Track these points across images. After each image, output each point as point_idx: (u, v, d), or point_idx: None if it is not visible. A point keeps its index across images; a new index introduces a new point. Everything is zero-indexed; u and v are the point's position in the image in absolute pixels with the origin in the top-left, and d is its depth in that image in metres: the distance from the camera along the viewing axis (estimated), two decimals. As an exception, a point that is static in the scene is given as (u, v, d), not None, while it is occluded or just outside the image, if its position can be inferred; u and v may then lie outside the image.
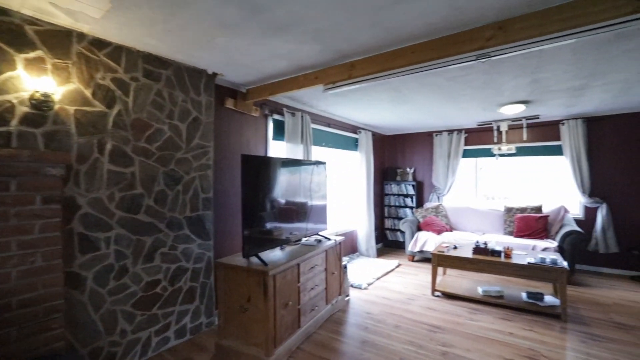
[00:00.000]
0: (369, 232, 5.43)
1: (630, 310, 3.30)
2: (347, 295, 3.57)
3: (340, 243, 3.40)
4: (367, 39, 2.25)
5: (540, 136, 5.10)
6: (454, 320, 3.07)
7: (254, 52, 2.47)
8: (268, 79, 3.11)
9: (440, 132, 5.88)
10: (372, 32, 2.15)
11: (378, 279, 4.29)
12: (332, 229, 4.84)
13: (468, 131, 5.67)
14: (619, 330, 2.90)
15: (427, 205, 5.71)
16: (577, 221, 4.75)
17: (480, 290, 3.58)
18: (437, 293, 3.74)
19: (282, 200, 2.87)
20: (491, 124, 5.28)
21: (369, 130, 5.66)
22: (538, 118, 4.91)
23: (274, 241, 2.70)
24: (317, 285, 2.94)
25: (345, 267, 3.56)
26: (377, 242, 6.00)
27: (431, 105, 4.20)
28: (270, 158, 2.75)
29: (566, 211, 4.66)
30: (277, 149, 3.88)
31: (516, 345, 2.63)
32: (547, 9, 1.80)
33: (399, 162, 6.48)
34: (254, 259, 2.49)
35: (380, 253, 5.77)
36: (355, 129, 5.45)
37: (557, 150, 4.98)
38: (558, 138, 4.93)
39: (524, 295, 3.45)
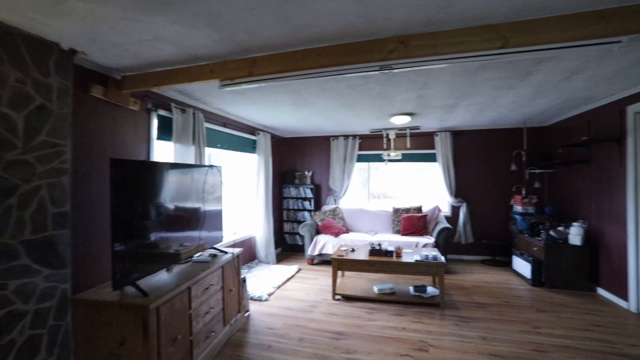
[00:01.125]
0: (268, 238, 5.23)
1: (484, 291, 4.01)
2: (247, 311, 3.29)
3: (238, 255, 3.10)
4: (272, 35, 2.04)
5: (420, 144, 5.82)
6: (355, 323, 3.15)
7: (129, 30, 1.97)
8: (151, 67, 2.58)
9: (337, 136, 6.11)
10: (278, 28, 1.95)
11: (279, 287, 4.13)
12: (230, 237, 4.45)
13: (362, 137, 6.05)
14: (479, 309, 3.46)
15: (325, 208, 5.85)
16: (447, 218, 5.60)
17: (375, 289, 3.80)
18: (337, 297, 3.80)
19: (171, 206, 2.41)
20: (381, 131, 5.75)
21: (268, 132, 5.46)
22: (419, 129, 5.59)
23: (158, 260, 2.23)
24: (213, 307, 2.58)
25: (244, 280, 3.27)
26: (277, 246, 5.84)
27: (331, 111, 4.27)
28: (150, 163, 2.26)
29: (440, 210, 5.43)
30: (164, 151, 3.30)
31: (409, 339, 2.83)
32: (440, 32, 1.94)
33: (297, 165, 6.48)
34: (129, 289, 1.98)
35: (280, 258, 5.63)
36: (253, 130, 5.16)
37: (433, 158, 5.76)
38: (433, 147, 5.70)
39: (411, 289, 3.81)
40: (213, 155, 4.37)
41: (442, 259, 3.61)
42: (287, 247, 6.25)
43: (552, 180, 5.03)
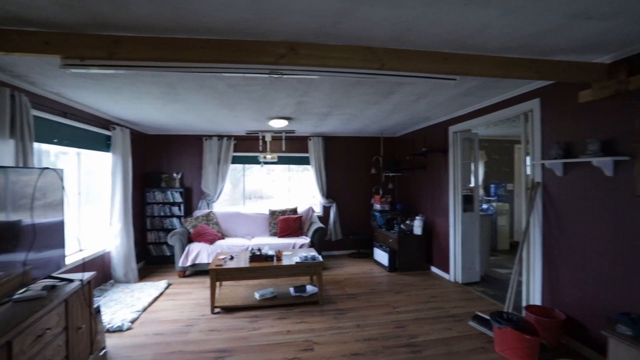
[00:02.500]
0: (128, 252, 4.39)
1: (354, 282, 4.50)
2: (103, 349, 2.65)
3: (90, 282, 2.46)
4: (147, 13, 1.70)
5: (295, 148, 6.04)
6: (239, 335, 2.98)
7: None
8: None
9: (210, 136, 5.68)
10: (156, 6, 1.64)
11: (145, 310, 3.51)
12: (76, 255, 3.49)
13: (237, 138, 5.83)
14: (351, 300, 3.85)
15: (198, 213, 5.35)
16: (320, 218, 6.01)
17: (257, 295, 3.71)
18: (217, 309, 3.52)
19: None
20: (258, 133, 5.69)
21: (128, 127, 4.58)
22: (294, 132, 5.79)
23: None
24: (51, 359, 1.95)
25: (98, 310, 2.63)
26: (138, 261, 4.96)
27: (207, 109, 3.92)
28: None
29: (313, 211, 5.77)
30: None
31: (294, 341, 2.88)
32: (330, 45, 2.03)
33: (164, 166, 5.69)
34: None
35: (143, 274, 4.81)
36: (107, 123, 4.24)
37: (307, 161, 6.08)
38: (307, 150, 6.02)
39: (291, 290, 3.90)
40: (58, 153, 3.34)
41: (320, 258, 3.84)
42: (152, 260, 5.40)
43: (401, 182, 6.10)
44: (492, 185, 6.49)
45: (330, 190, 6.11)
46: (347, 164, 6.21)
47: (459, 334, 3.00)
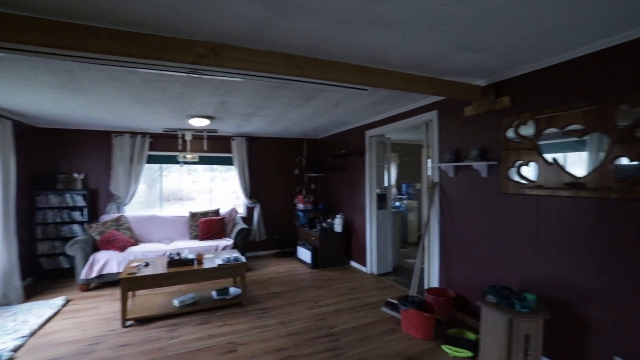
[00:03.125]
0: (9, 268, 3.72)
1: (278, 281, 4.59)
2: (-23, 383, 2.23)
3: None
4: (41, -4, 1.52)
5: (218, 148, 5.85)
6: (155, 347, 2.81)
7: None
8: None
9: (121, 133, 5.15)
10: (53, -9, 1.49)
11: (33, 334, 3.04)
12: None
13: (153, 136, 5.40)
14: (275, 298, 3.93)
15: (105, 218, 4.80)
16: (243, 219, 5.94)
17: (176, 302, 3.52)
18: (129, 322, 3.24)
19: None
20: (177, 131, 5.36)
21: (9, 119, 3.87)
22: (217, 132, 5.61)
23: None
24: None
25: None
26: (25, 277, 4.22)
27: (117, 104, 3.58)
28: None
29: (236, 212, 5.68)
30: None
31: (217, 345, 2.84)
32: (252, 50, 2.09)
33: (62, 165, 4.95)
34: None
35: (32, 293, 4.11)
36: (-22, 113, 3.53)
37: (230, 161, 5.95)
38: (230, 150, 5.89)
39: (214, 294, 3.80)
40: None
41: (243, 259, 3.82)
42: (45, 275, 4.64)
43: (323, 182, 6.40)
44: (403, 185, 7.26)
45: (254, 191, 6.08)
46: (271, 165, 6.26)
47: (373, 319, 3.33)
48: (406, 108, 3.93)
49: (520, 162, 2.57)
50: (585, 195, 2.17)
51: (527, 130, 2.52)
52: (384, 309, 3.52)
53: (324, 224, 5.29)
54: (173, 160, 5.56)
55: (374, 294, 4.07)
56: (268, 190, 6.21)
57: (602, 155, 2.09)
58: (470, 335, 2.84)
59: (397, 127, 4.17)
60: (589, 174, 2.15)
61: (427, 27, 1.88)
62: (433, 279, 3.57)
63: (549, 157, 2.39)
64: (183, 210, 5.67)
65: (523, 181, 2.56)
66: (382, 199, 4.89)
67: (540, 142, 2.44)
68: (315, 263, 5.18)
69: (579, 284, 2.25)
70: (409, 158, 7.54)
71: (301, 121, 4.85)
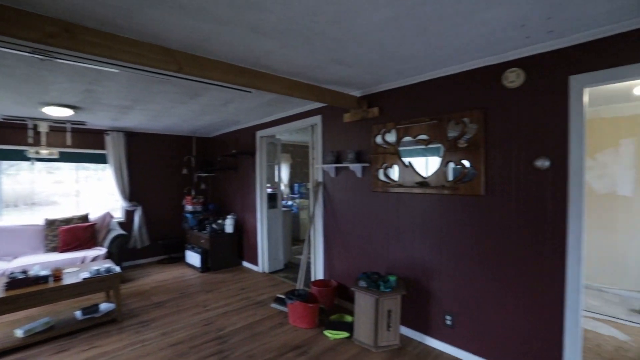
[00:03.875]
0: None
1: (162, 289, 4.23)
2: None
3: None
4: None
5: (87, 143, 5.01)
6: (-13, 388, 2.26)
7: None
8: None
9: None
10: None
11: None
12: None
13: (-14, 125, 4.26)
14: (158, 308, 3.62)
15: None
16: (121, 224, 5.23)
17: (19, 332, 2.88)
18: (-57, 365, 2.50)
19: None
20: (26, 121, 4.37)
21: None
22: (85, 124, 4.79)
23: None
24: None
25: None
26: None
27: None
28: None
29: (111, 217, 4.96)
30: None
31: (79, 371, 2.46)
32: (120, 37, 1.89)
33: None
34: None
35: None
36: None
37: (104, 159, 5.15)
38: (104, 147, 5.11)
39: (78, 314, 3.26)
40: None
41: (117, 269, 3.40)
42: None
43: (214, 182, 6.15)
44: (295, 185, 7.56)
45: (134, 193, 5.43)
46: (156, 164, 5.69)
47: (262, 316, 3.41)
48: (294, 111, 4.14)
49: (386, 164, 3.02)
50: (429, 192, 2.71)
51: (391, 137, 2.99)
52: (274, 305, 3.64)
53: (214, 225, 5.10)
54: (20, 157, 4.50)
55: (265, 291, 4.15)
56: (152, 191, 5.63)
57: (439, 160, 2.64)
58: (349, 318, 3.20)
59: (286, 128, 4.34)
60: (431, 175, 2.69)
61: (303, 39, 2.04)
62: (318, 272, 3.87)
63: (406, 161, 2.89)
64: (35, 217, 4.65)
65: (388, 181, 3.02)
66: (273, 199, 5.01)
67: (400, 148, 2.93)
68: (206, 266, 4.96)
69: (425, 263, 2.79)
70: (302, 159, 7.90)
71: (189, 118, 4.57)
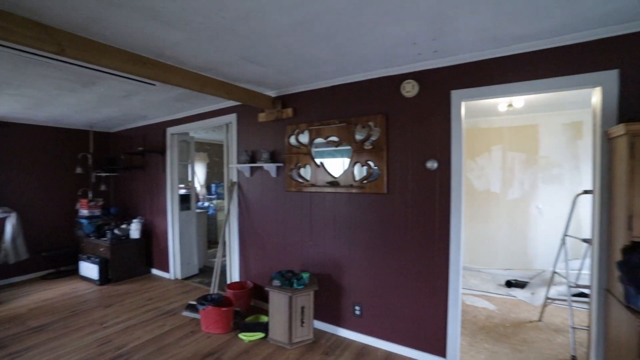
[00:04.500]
0: None
1: (45, 310, 3.59)
2: None
3: None
4: None
5: None
6: None
7: None
8: None
9: None
10: None
11: None
12: None
13: None
14: (37, 334, 3.06)
15: None
16: (-15, 235, 4.26)
17: None
18: None
19: None
20: None
21: None
22: None
23: None
24: None
25: None
26: None
27: None
28: None
29: (-29, 226, 4.01)
30: None
31: None
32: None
33: None
34: None
35: None
36: None
37: (-44, 155, 4.13)
38: (-43, 140, 4.10)
39: None
40: None
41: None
42: None
43: (117, 182, 5.46)
44: (213, 185, 7.21)
45: (5, 197, 4.48)
46: (37, 161, 4.80)
47: (172, 327, 3.16)
48: (208, 108, 3.95)
49: (299, 164, 3.10)
50: (339, 191, 2.88)
51: (304, 138, 3.08)
52: (185, 313, 3.41)
53: (116, 231, 4.54)
54: None
55: (176, 299, 3.86)
56: (32, 195, 4.72)
57: (348, 161, 2.82)
58: (264, 318, 3.18)
59: (199, 126, 4.11)
60: (341, 175, 2.86)
61: (212, 34, 1.97)
62: (234, 274, 3.76)
63: (318, 161, 3.00)
64: None
65: (302, 180, 3.10)
66: (186, 200, 4.70)
67: (313, 149, 3.04)
68: (105, 278, 4.38)
69: (336, 258, 2.95)
70: (219, 158, 7.57)
71: (83, 109, 3.98)
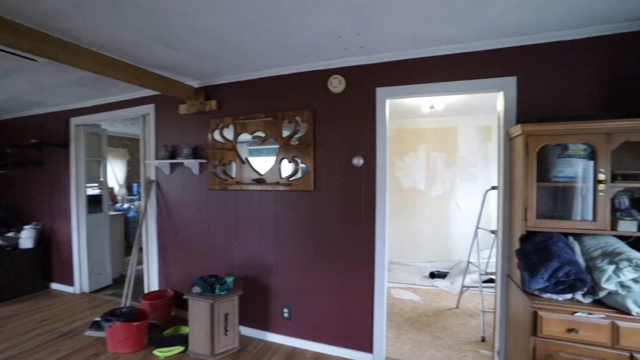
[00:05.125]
0: None
1: None
2: None
3: None
4: None
5: None
6: None
7: None
8: None
9: None
10: None
11: None
12: None
13: None
14: None
15: None
16: None
17: None
18: None
19: None
20: None
21: None
22: None
23: None
24: None
25: None
26: None
27: None
28: None
29: None
30: None
31: None
32: None
33: None
34: None
35: None
36: None
37: None
38: None
39: None
40: None
41: None
42: None
43: (4, 182, 4.56)
44: (135, 184, 6.49)
45: None
46: None
47: (69, 351, 2.69)
48: (122, 97, 3.48)
49: (224, 161, 2.88)
50: (266, 189, 2.74)
51: (229, 133, 2.87)
52: (89, 332, 2.95)
53: (0, 241, 3.77)
54: None
55: (80, 317, 3.33)
56: None
57: (274, 157, 2.70)
58: (185, 330, 2.89)
59: (111, 117, 3.62)
60: (267, 172, 2.73)
61: (111, 5, 1.68)
62: (153, 282, 3.38)
63: (243, 157, 2.83)
64: None
65: (226, 178, 2.89)
66: (97, 201, 4.11)
67: (238, 144, 2.85)
68: (-17, 299, 3.60)
69: (264, 260, 2.81)
70: (144, 155, 6.85)
71: (-54, 90, 3.21)
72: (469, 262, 3.43)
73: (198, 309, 2.50)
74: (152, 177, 3.30)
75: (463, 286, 3.46)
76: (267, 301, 2.81)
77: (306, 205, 2.62)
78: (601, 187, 1.67)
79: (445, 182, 4.82)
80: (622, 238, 1.77)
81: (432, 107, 3.89)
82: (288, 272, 2.72)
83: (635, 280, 1.54)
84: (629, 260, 1.54)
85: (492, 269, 3.31)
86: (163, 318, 3.08)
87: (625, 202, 1.81)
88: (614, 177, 1.70)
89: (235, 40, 2.12)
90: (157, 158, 3.22)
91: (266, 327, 2.83)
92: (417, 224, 4.93)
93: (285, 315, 2.74)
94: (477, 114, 4.47)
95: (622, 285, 1.55)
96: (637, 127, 1.63)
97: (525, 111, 2.05)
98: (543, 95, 2.04)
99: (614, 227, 1.68)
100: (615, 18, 1.84)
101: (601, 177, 1.67)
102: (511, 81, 2.09)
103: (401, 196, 4.96)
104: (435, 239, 4.87)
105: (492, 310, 2.61)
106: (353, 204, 2.48)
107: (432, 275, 4.40)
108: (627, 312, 1.51)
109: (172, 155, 3.15)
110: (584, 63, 1.97)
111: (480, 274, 3.13)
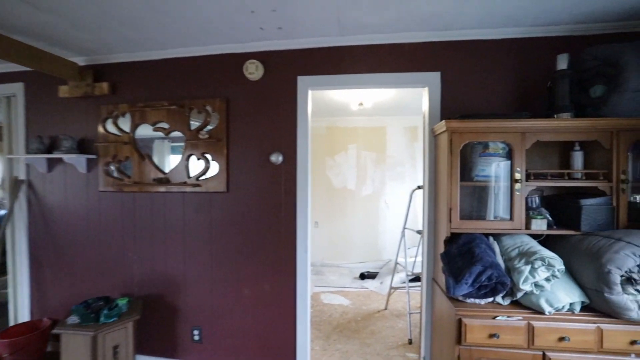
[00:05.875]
0: None
1: None
2: None
3: None
4: None
5: None
6: None
7: None
8: None
9: None
10: None
11: None
12: None
13: None
14: None
15: None
16: None
17: None
18: None
19: None
20: None
21: None
22: None
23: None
24: None
25: None
26: None
27: None
28: None
29: None
30: None
31: None
32: None
33: None
34: None
35: None
36: None
37: None
38: None
39: None
40: None
41: None
42: None
43: None
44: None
45: None
46: None
47: None
48: (-24, 72, 2.69)
49: (119, 157, 2.37)
50: (171, 190, 2.30)
51: (125, 123, 2.37)
52: None
53: None
54: None
55: None
56: None
57: (181, 153, 2.28)
58: (65, 367, 2.30)
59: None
60: (172, 170, 2.30)
61: None
62: (23, 310, 2.66)
63: (143, 153, 2.35)
64: None
65: (122, 177, 2.38)
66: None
67: (137, 137, 2.36)
68: None
69: (169, 274, 2.37)
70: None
71: None
72: (396, 263, 3.41)
73: (74, 345, 1.97)
74: (22, 176, 2.59)
75: (391, 287, 3.42)
76: (173, 323, 2.37)
77: (219, 209, 2.26)
78: (517, 186, 1.66)
79: (375, 182, 4.82)
80: (534, 236, 1.79)
81: (360, 104, 3.81)
82: (199, 287, 2.33)
83: (547, 279, 1.54)
84: (542, 259, 1.53)
85: (418, 268, 3.33)
86: (35, 356, 2.43)
87: (536, 200, 1.85)
88: (527, 177, 1.71)
89: (123, 8, 1.69)
90: (28, 152, 2.52)
91: (173, 354, 2.39)
92: (348, 224, 4.85)
93: (196, 337, 2.34)
94: (404, 114, 4.54)
95: (536, 285, 1.54)
96: (547, 128, 1.65)
97: (449, 107, 2.00)
98: (465, 92, 2.01)
99: (528, 226, 1.68)
100: (525, 22, 1.87)
101: (517, 176, 1.66)
102: (436, 77, 2.02)
103: (332, 196, 4.83)
104: (366, 238, 4.85)
105: (419, 312, 2.57)
106: (272, 206, 2.20)
107: (362, 276, 4.34)
108: (540, 311, 1.50)
109: (50, 149, 2.50)
110: (500, 63, 1.99)
111: (407, 275, 3.11)
